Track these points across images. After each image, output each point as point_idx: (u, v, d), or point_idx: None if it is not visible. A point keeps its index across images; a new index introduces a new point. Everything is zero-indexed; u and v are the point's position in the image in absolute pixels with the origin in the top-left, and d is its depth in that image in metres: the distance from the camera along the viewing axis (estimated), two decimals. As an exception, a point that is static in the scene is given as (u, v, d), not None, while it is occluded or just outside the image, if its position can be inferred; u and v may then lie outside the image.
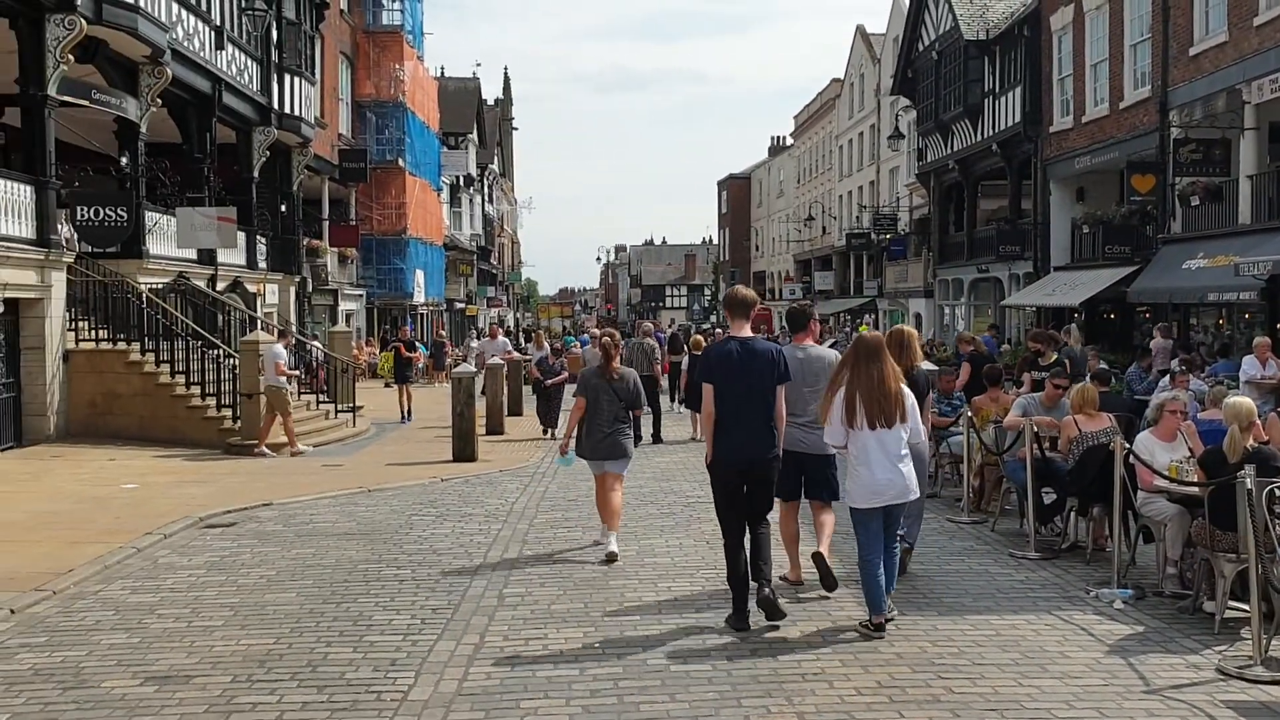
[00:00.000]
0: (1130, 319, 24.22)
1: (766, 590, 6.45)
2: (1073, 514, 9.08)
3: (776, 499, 7.03)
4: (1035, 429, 9.19)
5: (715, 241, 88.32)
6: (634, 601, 7.37)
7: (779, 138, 70.16)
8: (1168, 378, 13.70)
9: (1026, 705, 5.39)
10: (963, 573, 8.33)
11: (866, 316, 44.67)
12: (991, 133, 29.07)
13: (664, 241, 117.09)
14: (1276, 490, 6.60)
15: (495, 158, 67.32)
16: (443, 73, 54.93)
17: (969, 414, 10.82)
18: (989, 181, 32.30)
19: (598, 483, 8.94)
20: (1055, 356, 14.57)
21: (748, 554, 6.59)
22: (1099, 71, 23.64)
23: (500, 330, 28.33)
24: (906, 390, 6.57)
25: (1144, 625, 6.87)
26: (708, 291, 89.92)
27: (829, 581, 6.93)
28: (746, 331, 6.71)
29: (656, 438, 17.41)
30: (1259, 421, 7.40)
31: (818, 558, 6.92)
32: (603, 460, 8.81)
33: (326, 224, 32.50)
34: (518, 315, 61.35)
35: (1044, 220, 26.74)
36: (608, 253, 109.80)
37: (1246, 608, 6.32)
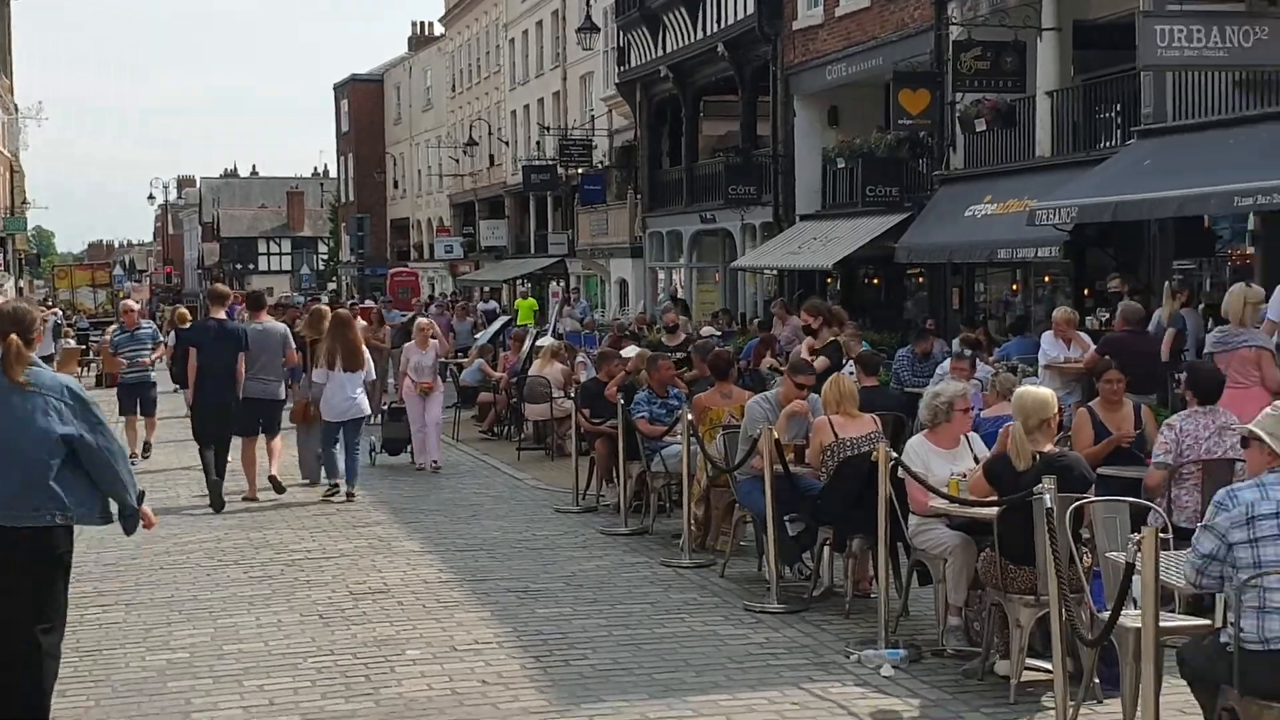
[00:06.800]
0: (900, 284, 25.86)
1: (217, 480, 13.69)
2: (826, 549, 9.51)
3: (241, 437, 14.06)
4: (777, 436, 9.53)
5: (333, 174, 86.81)
6: (204, 710, 7.17)
7: (423, 24, 69.96)
8: (946, 363, 14.68)
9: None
10: (682, 636, 8.56)
11: (556, 284, 45.23)
12: (716, 28, 30.15)
13: (255, 173, 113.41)
14: (1087, 509, 7.15)
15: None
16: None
17: (690, 417, 11.09)
18: (715, 97, 33.37)
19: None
20: (832, 339, 15.15)
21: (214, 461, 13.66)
22: (857, -52, 25.05)
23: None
24: (365, 349, 14.54)
25: (920, 696, 7.29)
26: (324, 247, 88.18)
27: (280, 488, 14.07)
28: (221, 314, 14.49)
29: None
30: (1053, 418, 7.94)
31: (273, 479, 14.04)
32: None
33: None
34: (20, 282, 57.22)
35: (787, 151, 28.03)
36: (166, 189, 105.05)
37: (1049, 667, 6.79)
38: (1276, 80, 15.75)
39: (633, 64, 35.32)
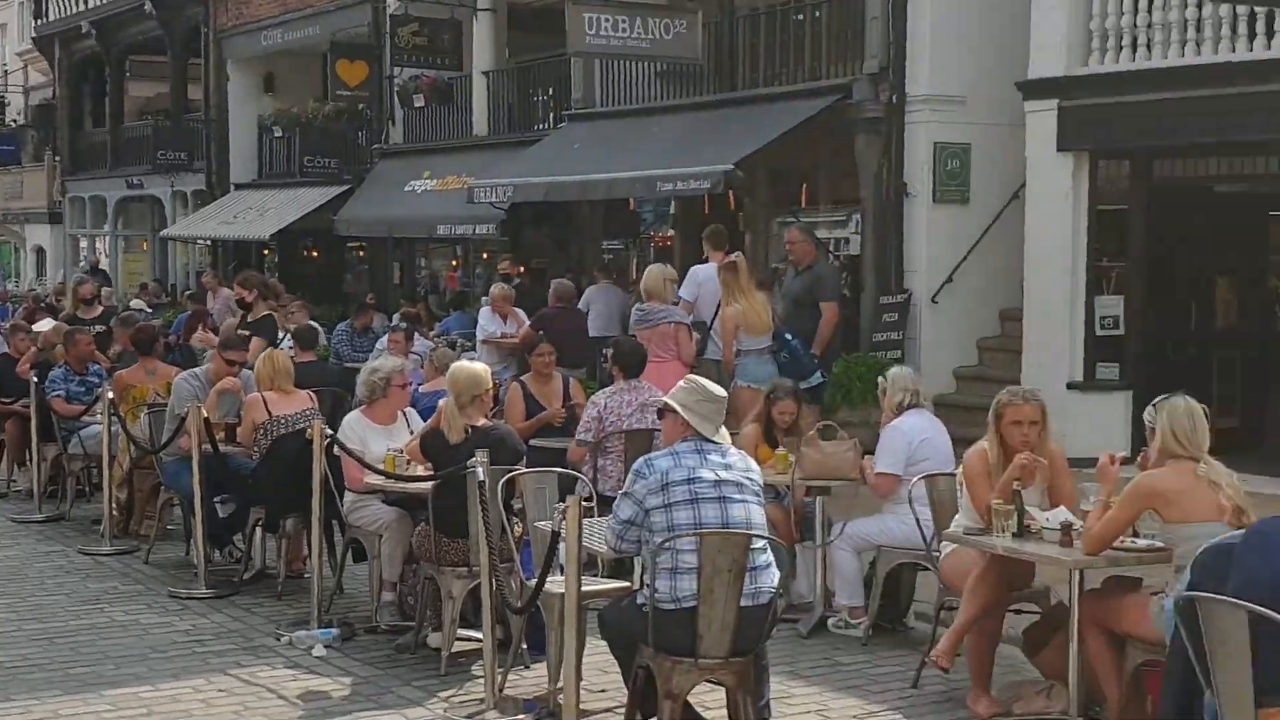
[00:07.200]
0: (341, 257, 25.84)
1: None
2: (258, 530, 9.40)
3: None
4: (207, 414, 9.31)
5: None
6: None
7: None
8: (385, 339, 14.78)
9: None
10: (102, 627, 8.34)
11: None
12: (143, -16, 28.96)
13: None
14: (518, 480, 7.41)
15: None
16: None
17: (111, 395, 10.73)
18: (143, 57, 32.16)
19: None
20: (267, 313, 14.83)
21: None
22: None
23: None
24: None
25: (352, 674, 7.36)
26: None
27: None
28: None
29: None
30: (486, 392, 8.16)
31: None
32: None
33: None
34: None
35: (220, 117, 27.36)
36: None
37: (480, 636, 7.00)
38: (693, 72, 16.86)
39: (51, 18, 33.51)
